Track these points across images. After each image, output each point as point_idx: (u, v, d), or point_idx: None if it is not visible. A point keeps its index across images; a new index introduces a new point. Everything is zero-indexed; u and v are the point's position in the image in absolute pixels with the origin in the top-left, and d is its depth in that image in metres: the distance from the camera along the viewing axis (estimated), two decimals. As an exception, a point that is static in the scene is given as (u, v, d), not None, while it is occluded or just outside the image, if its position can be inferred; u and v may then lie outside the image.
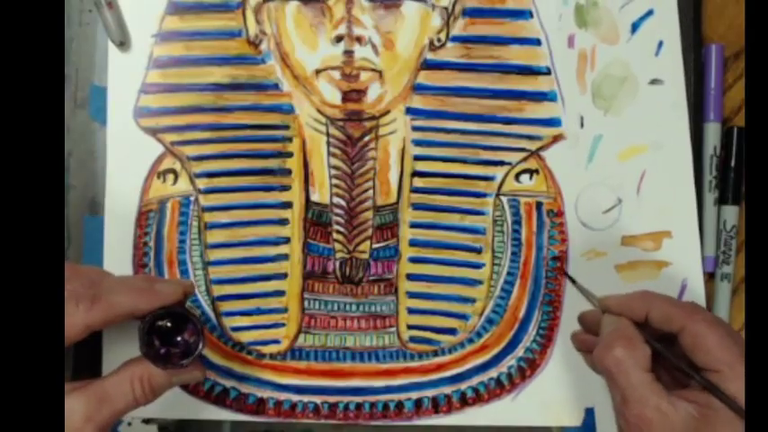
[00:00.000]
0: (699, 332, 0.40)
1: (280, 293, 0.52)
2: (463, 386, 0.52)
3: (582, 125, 0.53)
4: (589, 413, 0.51)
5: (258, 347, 0.52)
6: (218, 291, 0.52)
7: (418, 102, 0.53)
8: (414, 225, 0.53)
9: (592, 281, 0.49)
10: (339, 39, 0.52)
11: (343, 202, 0.53)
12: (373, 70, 0.53)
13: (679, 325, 0.41)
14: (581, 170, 0.53)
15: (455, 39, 0.53)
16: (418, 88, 0.53)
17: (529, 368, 0.52)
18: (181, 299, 0.44)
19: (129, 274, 0.52)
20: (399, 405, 0.51)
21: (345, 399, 0.51)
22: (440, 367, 0.52)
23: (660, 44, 0.54)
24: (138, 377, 0.43)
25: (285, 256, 0.52)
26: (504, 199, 0.53)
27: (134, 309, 0.42)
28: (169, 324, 0.43)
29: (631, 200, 0.53)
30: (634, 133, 0.53)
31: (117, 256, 0.52)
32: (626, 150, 0.53)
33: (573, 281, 0.50)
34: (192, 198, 0.53)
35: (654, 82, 0.54)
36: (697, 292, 0.52)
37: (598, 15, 0.54)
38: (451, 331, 0.52)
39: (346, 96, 0.53)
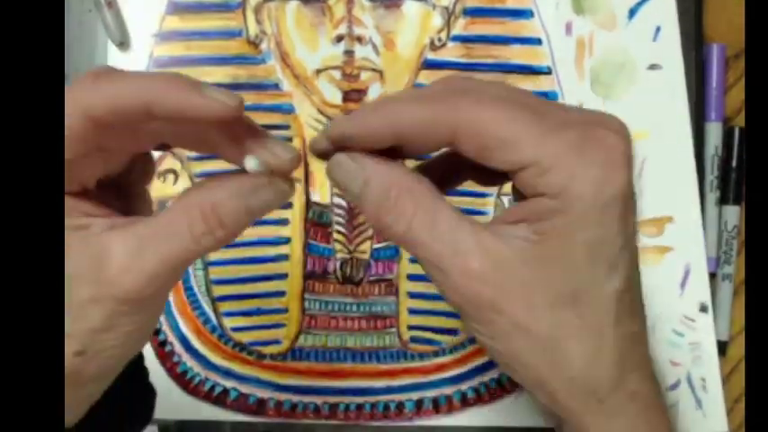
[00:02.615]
0: (476, 125, 0.28)
1: (280, 294, 0.52)
2: (464, 387, 0.52)
3: None
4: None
5: (258, 348, 0.52)
6: (219, 291, 0.52)
7: (419, 102, 0.53)
8: (414, 225, 0.53)
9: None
10: (339, 38, 0.52)
11: (343, 203, 0.53)
12: (374, 70, 0.53)
13: (444, 130, 0.29)
14: None
15: (456, 38, 0.53)
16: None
17: (529, 368, 0.52)
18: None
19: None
20: (400, 406, 0.51)
21: (346, 399, 0.51)
22: (441, 368, 0.52)
23: (658, 29, 0.53)
24: (198, 205, 0.30)
25: (285, 257, 0.52)
26: (504, 199, 0.53)
27: (159, 100, 0.28)
28: None
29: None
30: (634, 119, 0.52)
31: (117, 257, 0.52)
32: (626, 136, 0.53)
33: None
34: (193, 198, 0.53)
35: (652, 67, 0.53)
36: (701, 277, 0.52)
37: (595, 2, 0.54)
38: (452, 332, 0.52)
39: (347, 96, 0.53)
